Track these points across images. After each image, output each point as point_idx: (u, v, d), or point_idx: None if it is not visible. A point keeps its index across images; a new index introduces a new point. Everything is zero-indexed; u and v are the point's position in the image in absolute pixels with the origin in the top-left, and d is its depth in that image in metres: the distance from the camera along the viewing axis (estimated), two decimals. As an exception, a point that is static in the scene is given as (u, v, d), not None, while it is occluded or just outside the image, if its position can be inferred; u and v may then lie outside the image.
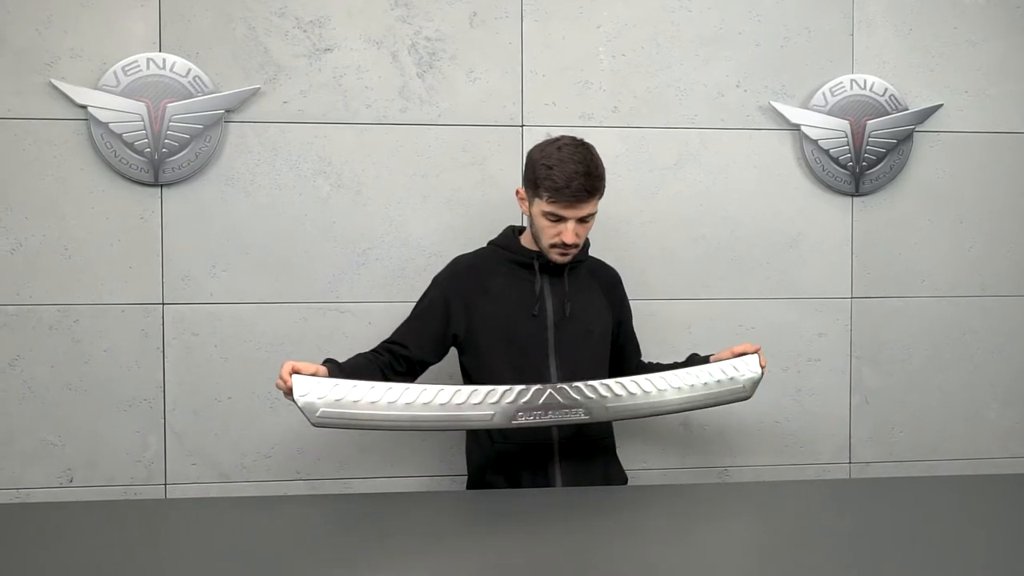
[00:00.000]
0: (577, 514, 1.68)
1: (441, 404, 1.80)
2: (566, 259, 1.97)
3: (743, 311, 2.53)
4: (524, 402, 1.81)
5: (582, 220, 1.92)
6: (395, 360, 2.03)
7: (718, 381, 1.93)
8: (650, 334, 2.38)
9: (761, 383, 1.95)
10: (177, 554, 1.48)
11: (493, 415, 1.81)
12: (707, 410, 2.03)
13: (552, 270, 2.02)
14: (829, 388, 2.56)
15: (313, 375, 1.77)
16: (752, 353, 1.95)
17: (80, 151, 2.26)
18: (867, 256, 2.56)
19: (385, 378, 1.92)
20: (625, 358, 2.16)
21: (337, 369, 1.87)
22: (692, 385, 1.91)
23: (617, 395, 1.86)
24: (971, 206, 2.60)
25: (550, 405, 1.83)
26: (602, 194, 1.95)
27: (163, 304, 2.31)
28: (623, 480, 2.11)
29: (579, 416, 1.85)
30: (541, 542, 1.50)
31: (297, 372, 1.75)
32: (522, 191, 1.98)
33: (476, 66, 2.40)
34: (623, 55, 2.45)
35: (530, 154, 1.95)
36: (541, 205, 1.91)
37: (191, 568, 1.39)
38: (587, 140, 1.93)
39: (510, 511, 1.71)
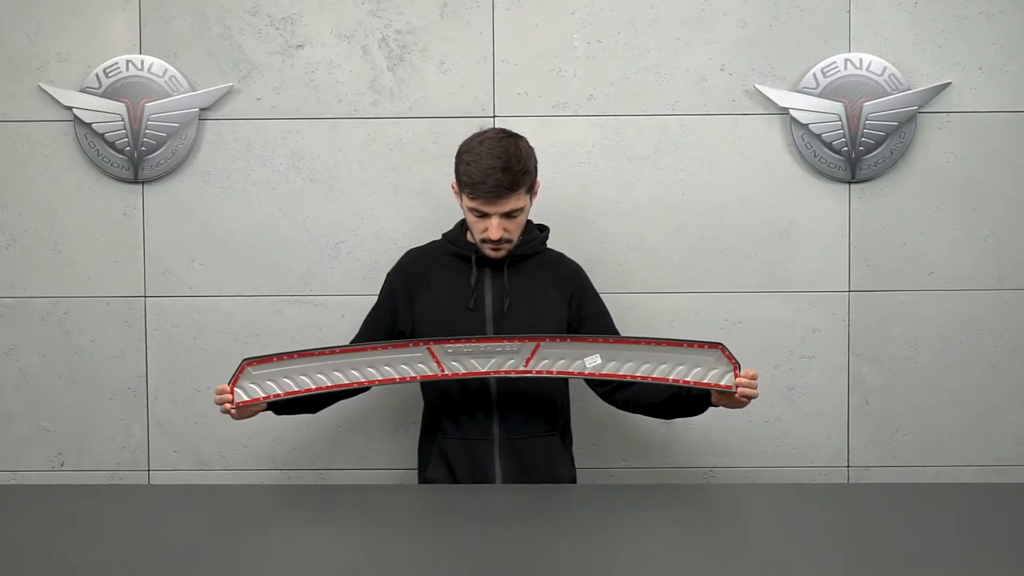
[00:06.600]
0: (513, 514, 1.65)
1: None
2: (499, 254, 1.93)
3: (730, 305, 2.41)
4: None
5: (508, 215, 1.87)
6: None
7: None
8: (630, 329, 2.29)
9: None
10: (157, 537, 1.56)
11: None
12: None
13: (494, 263, 1.98)
14: (824, 387, 2.42)
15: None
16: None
17: (67, 151, 2.37)
18: (866, 247, 2.40)
19: None
20: None
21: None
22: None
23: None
24: (986, 191, 2.39)
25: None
26: (530, 189, 1.91)
27: (145, 297, 2.39)
28: (571, 480, 2.05)
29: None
30: (470, 540, 1.50)
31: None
32: (455, 185, 1.96)
33: (447, 57, 2.38)
34: (599, 41, 2.38)
35: (459, 148, 1.92)
36: (466, 200, 1.88)
37: (169, 550, 1.48)
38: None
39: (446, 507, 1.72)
